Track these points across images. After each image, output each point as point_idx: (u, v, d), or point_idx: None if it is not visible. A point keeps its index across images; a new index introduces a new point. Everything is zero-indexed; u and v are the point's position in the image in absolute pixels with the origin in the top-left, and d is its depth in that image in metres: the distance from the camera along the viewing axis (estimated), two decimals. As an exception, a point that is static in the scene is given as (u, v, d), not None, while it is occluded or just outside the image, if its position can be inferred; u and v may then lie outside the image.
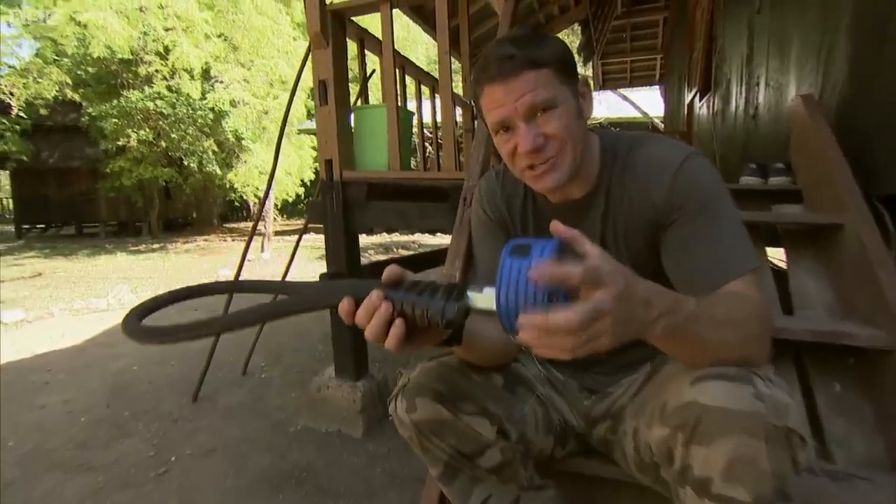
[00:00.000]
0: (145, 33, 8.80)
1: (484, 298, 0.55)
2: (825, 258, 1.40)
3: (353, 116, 2.18)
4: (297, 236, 2.95)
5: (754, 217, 1.42)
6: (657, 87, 8.70)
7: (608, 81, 8.43)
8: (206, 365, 2.62)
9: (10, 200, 15.76)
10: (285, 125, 2.67)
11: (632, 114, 11.31)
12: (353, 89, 2.81)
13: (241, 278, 2.71)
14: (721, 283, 0.70)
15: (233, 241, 11.72)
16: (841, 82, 1.63)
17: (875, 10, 1.48)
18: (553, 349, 0.49)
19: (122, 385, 2.78)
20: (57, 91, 9.57)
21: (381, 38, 2.09)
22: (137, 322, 0.59)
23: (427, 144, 4.10)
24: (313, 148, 10.94)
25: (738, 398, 0.56)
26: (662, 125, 8.37)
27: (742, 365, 0.61)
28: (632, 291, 0.51)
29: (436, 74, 2.27)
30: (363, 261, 2.39)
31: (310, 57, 2.15)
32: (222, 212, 17.25)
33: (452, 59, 2.36)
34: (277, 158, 2.65)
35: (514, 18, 1.99)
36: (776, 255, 1.68)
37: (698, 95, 4.59)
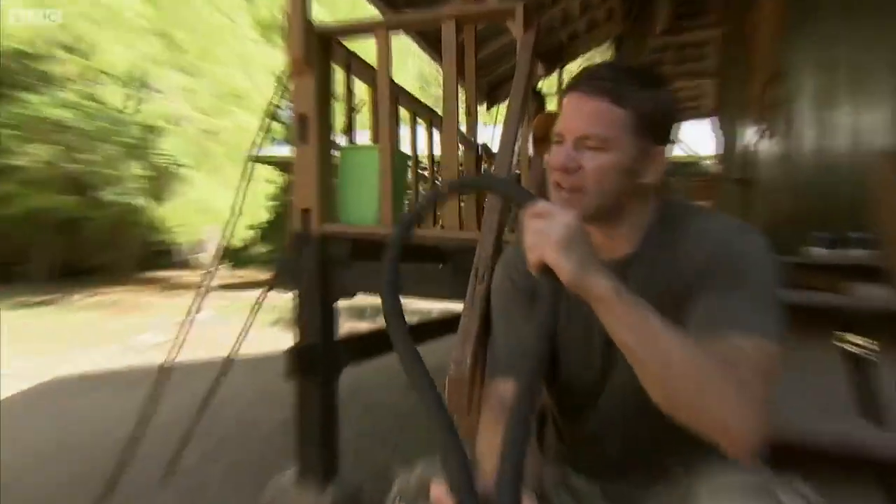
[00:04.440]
0: (53, 20, 8.65)
1: None
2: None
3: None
4: (241, 291, 3.02)
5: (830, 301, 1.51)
6: (709, 119, 8.99)
7: (646, 112, 8.71)
8: (120, 462, 2.60)
9: None
10: (253, 159, 2.79)
11: (674, 152, 11.51)
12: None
13: (179, 346, 2.74)
14: (721, 332, 0.80)
15: (153, 295, 11.65)
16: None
17: None
18: None
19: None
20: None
21: (371, 63, 2.25)
22: None
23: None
24: (268, 181, 11.13)
25: None
26: (715, 168, 8.61)
27: (699, 418, 0.74)
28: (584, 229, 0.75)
29: (426, 97, 2.45)
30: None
31: (285, 83, 2.32)
32: (142, 256, 17.15)
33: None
34: (244, 196, 2.75)
35: (536, 47, 2.17)
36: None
37: (764, 134, 4.74)
